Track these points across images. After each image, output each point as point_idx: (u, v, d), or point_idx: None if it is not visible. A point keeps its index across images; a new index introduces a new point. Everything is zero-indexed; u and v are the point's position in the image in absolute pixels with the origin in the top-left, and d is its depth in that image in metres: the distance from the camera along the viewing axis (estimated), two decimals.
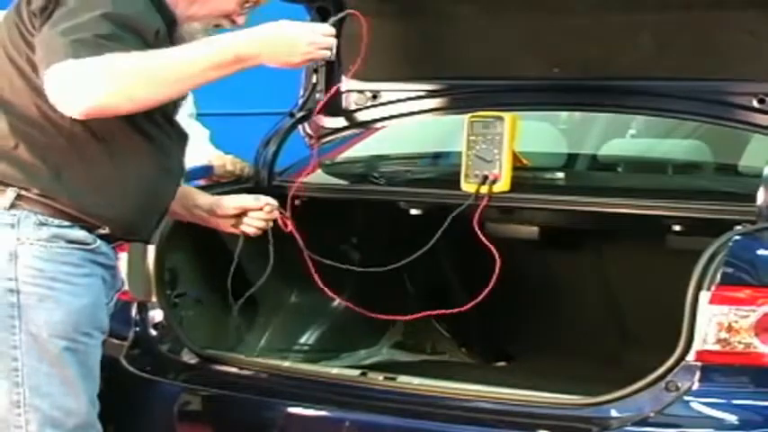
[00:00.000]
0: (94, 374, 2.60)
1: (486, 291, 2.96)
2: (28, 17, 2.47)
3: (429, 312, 3.28)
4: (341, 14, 2.75)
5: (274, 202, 3.07)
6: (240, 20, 2.70)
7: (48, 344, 2.48)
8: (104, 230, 2.55)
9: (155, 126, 2.57)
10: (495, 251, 2.96)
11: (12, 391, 2.49)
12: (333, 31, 2.64)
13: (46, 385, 2.50)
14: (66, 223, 2.50)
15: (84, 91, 2.34)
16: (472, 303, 3.00)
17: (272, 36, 2.53)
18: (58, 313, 2.48)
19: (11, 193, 2.49)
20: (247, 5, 2.70)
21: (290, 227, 3.09)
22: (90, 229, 2.53)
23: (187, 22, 2.68)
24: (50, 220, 2.49)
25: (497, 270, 2.96)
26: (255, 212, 3.04)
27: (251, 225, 3.04)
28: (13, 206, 2.48)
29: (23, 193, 2.49)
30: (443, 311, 3.20)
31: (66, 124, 2.47)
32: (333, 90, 3.47)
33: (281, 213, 3.08)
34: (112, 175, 2.53)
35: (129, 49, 2.38)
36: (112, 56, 2.35)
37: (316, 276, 3.15)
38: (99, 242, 2.55)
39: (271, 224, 3.07)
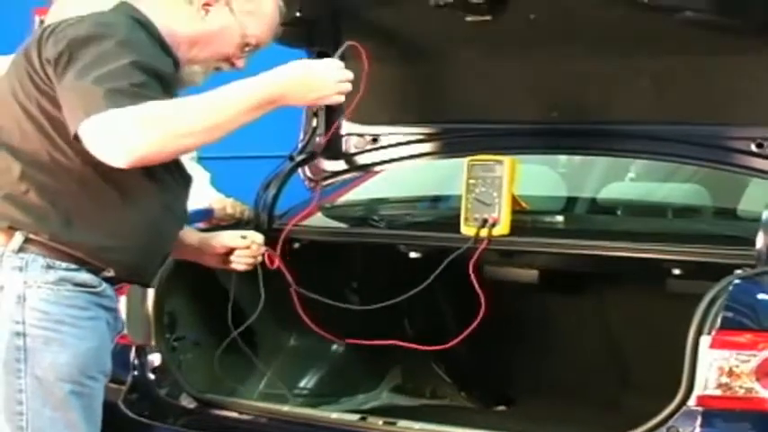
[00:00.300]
0: (97, 418, 2.59)
1: (471, 328, 2.96)
2: (40, 65, 2.48)
3: (420, 346, 3.28)
4: (342, 48, 2.77)
5: (260, 239, 3.08)
6: (240, 63, 2.72)
7: (53, 387, 2.48)
8: (109, 273, 2.56)
9: (165, 169, 2.58)
10: (482, 295, 2.97)
11: None
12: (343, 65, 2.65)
13: (50, 429, 2.49)
14: (73, 266, 2.51)
15: (128, 141, 2.34)
16: (458, 339, 3.00)
17: (302, 75, 2.54)
18: (63, 356, 2.48)
19: (19, 237, 2.49)
20: (247, 49, 2.72)
21: (277, 263, 3.10)
22: (96, 271, 2.54)
23: (188, 65, 2.72)
24: (57, 263, 2.50)
25: (481, 312, 2.96)
26: (243, 250, 3.05)
27: (239, 262, 3.06)
28: (21, 249, 2.49)
29: (32, 236, 2.50)
30: (412, 346, 3.19)
31: (77, 169, 2.48)
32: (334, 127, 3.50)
33: (266, 251, 3.08)
34: (122, 218, 2.54)
35: (160, 97, 2.40)
36: (152, 105, 2.36)
37: (303, 314, 3.15)
38: (104, 285, 2.56)
39: (259, 260, 3.09)
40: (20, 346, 2.47)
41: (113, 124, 2.34)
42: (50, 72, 2.46)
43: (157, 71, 2.46)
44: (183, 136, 2.39)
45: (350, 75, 2.60)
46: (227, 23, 2.67)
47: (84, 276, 2.52)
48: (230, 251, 3.05)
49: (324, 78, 2.56)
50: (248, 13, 2.69)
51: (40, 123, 2.49)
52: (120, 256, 2.55)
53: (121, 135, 2.34)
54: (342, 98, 2.61)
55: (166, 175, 2.59)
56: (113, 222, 2.53)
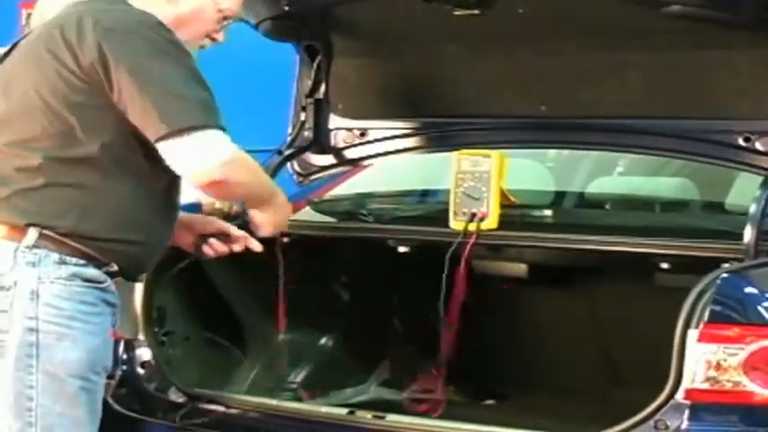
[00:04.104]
0: (99, 414, 2.62)
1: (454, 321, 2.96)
2: (76, 64, 2.49)
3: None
4: None
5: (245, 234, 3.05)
6: (220, 36, 2.80)
7: (64, 383, 2.51)
8: (113, 268, 2.59)
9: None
10: (461, 289, 2.97)
11: (23, 430, 2.50)
12: None
13: (59, 425, 2.52)
14: (82, 262, 2.54)
15: (220, 170, 2.51)
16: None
17: (286, 206, 2.93)
18: (75, 352, 2.52)
19: (33, 233, 2.51)
20: (225, 22, 2.77)
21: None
22: (100, 266, 2.57)
23: None
24: (69, 258, 2.53)
25: (457, 303, 2.97)
26: (222, 238, 2.97)
27: (213, 248, 2.96)
28: (35, 245, 2.51)
29: (46, 232, 2.51)
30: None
31: (95, 162, 2.51)
32: None
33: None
34: (133, 211, 2.58)
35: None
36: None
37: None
38: (108, 281, 2.59)
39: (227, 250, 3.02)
40: (32, 342, 2.49)
41: (216, 149, 2.51)
42: (97, 68, 2.47)
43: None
44: (243, 185, 2.64)
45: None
46: (200, 3, 2.71)
47: (92, 272, 2.55)
48: (209, 235, 2.97)
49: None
50: None
51: (65, 119, 2.51)
52: (129, 248, 2.59)
53: (217, 162, 2.50)
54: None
55: (170, 170, 2.60)
56: (125, 215, 2.57)
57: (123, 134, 2.53)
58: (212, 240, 2.94)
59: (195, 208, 3.50)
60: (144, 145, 2.54)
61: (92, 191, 2.53)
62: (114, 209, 2.55)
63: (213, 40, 2.79)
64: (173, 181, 2.65)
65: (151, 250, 2.69)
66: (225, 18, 2.76)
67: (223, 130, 2.54)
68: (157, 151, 2.52)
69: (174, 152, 2.50)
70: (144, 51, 2.50)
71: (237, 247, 2.95)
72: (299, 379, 3.61)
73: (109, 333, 2.63)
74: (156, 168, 2.56)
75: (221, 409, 3.10)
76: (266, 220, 2.86)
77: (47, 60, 2.54)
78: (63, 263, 2.52)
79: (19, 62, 2.64)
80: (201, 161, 2.50)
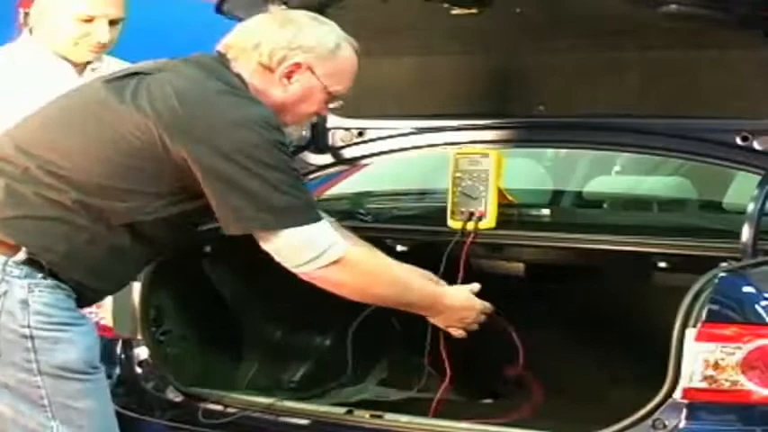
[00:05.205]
0: (110, 400, 2.70)
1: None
2: (158, 138, 2.52)
3: None
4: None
5: None
6: (326, 111, 2.93)
7: (69, 382, 2.56)
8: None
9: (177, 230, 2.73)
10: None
11: (45, 424, 2.56)
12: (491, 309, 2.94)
13: (77, 418, 2.57)
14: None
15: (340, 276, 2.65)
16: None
17: (461, 309, 2.91)
18: (73, 353, 2.57)
19: (23, 254, 2.56)
20: (332, 104, 2.81)
21: None
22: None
23: None
24: (50, 279, 2.58)
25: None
26: None
27: None
28: (23, 262, 2.56)
29: (32, 256, 2.56)
30: None
31: (118, 222, 2.56)
32: None
33: None
34: (115, 268, 2.66)
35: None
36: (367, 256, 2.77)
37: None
38: None
39: None
40: (29, 347, 2.54)
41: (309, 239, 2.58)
42: (183, 154, 2.51)
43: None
44: (370, 295, 2.75)
45: (481, 319, 2.90)
46: (310, 87, 2.71)
47: (67, 287, 2.61)
48: None
49: (472, 319, 2.90)
50: (331, 75, 2.73)
51: (119, 178, 2.54)
52: (96, 294, 2.72)
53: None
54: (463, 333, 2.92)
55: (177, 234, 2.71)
56: (110, 269, 2.65)
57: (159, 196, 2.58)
58: None
59: None
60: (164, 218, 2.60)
61: (93, 240, 2.57)
62: (98, 261, 2.61)
63: (319, 114, 2.88)
64: (169, 241, 2.71)
65: (113, 293, 2.84)
66: (333, 99, 2.78)
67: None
68: (170, 218, 2.60)
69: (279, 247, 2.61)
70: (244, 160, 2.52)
71: None
72: (297, 378, 3.61)
73: (95, 329, 2.71)
74: (163, 231, 2.63)
75: (219, 408, 3.10)
76: (442, 324, 2.94)
77: (126, 116, 2.55)
78: (50, 276, 2.56)
79: (117, 98, 2.59)
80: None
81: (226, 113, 2.55)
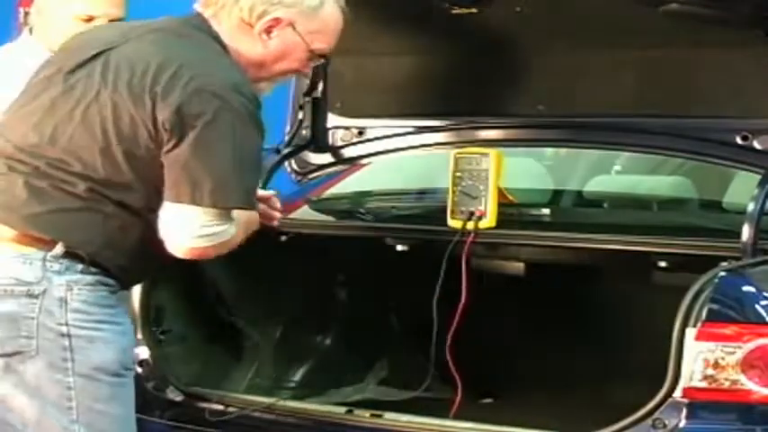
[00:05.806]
0: (133, 408, 2.67)
1: (455, 322, 2.97)
2: (152, 119, 2.48)
3: None
4: None
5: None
6: (307, 70, 2.83)
7: (101, 383, 2.55)
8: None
9: None
10: (465, 289, 2.98)
11: (68, 428, 2.54)
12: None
13: (99, 422, 2.56)
14: (104, 271, 2.60)
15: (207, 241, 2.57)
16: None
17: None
18: (109, 353, 2.56)
19: (60, 247, 2.54)
20: (315, 61, 2.75)
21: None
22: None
23: (255, 83, 2.68)
24: (92, 268, 2.56)
25: (462, 303, 2.97)
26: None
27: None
28: (62, 256, 2.54)
29: (71, 249, 2.54)
30: None
31: (137, 206, 2.55)
32: None
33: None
34: (152, 248, 2.60)
35: None
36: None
37: None
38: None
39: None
40: (66, 345, 2.52)
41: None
42: (167, 126, 2.47)
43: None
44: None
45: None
46: (291, 43, 2.67)
47: (110, 279, 2.60)
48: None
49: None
50: (314, 32, 2.68)
51: (119, 164, 2.52)
52: (136, 275, 2.73)
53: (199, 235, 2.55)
54: None
55: None
56: (142, 250, 2.61)
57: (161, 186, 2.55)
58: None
59: None
60: None
61: (120, 226, 2.56)
62: (130, 243, 2.59)
63: (299, 72, 2.81)
64: None
65: (150, 274, 2.90)
66: (316, 57, 2.73)
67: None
68: None
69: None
70: (218, 129, 2.49)
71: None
72: (297, 377, 3.61)
73: (133, 330, 2.72)
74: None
75: (219, 407, 3.10)
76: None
77: (124, 99, 2.51)
78: (88, 272, 2.55)
79: (91, 84, 2.56)
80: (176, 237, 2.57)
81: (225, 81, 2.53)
